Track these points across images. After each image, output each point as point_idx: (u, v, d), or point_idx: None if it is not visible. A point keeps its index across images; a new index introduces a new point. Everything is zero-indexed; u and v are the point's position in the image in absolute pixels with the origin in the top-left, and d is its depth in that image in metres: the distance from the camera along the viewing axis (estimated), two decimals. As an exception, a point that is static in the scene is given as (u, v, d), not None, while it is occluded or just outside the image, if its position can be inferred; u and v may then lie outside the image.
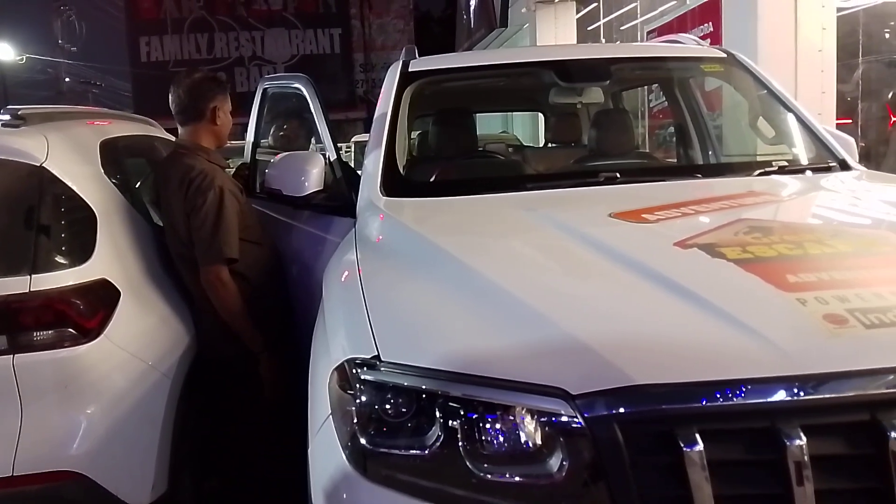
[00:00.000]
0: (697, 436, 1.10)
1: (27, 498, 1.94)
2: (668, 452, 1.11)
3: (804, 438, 1.10)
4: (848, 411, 1.13)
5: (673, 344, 1.21)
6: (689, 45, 3.21)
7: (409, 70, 2.82)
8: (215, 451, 2.55)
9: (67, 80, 25.89)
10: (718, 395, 1.13)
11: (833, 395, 1.12)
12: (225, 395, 2.50)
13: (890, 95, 7.55)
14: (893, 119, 7.60)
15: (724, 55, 3.02)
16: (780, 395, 1.12)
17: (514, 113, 11.21)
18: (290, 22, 21.47)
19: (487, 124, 11.73)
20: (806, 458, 1.09)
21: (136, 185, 3.08)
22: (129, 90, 23.12)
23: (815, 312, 1.23)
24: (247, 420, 2.50)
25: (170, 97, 2.63)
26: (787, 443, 1.10)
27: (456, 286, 1.48)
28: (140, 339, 2.26)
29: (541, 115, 5.57)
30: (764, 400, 1.12)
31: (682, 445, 1.10)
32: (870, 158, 7.66)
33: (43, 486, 1.95)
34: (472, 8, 16.46)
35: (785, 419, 1.11)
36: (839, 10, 5.83)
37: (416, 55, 3.08)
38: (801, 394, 1.12)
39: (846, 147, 2.63)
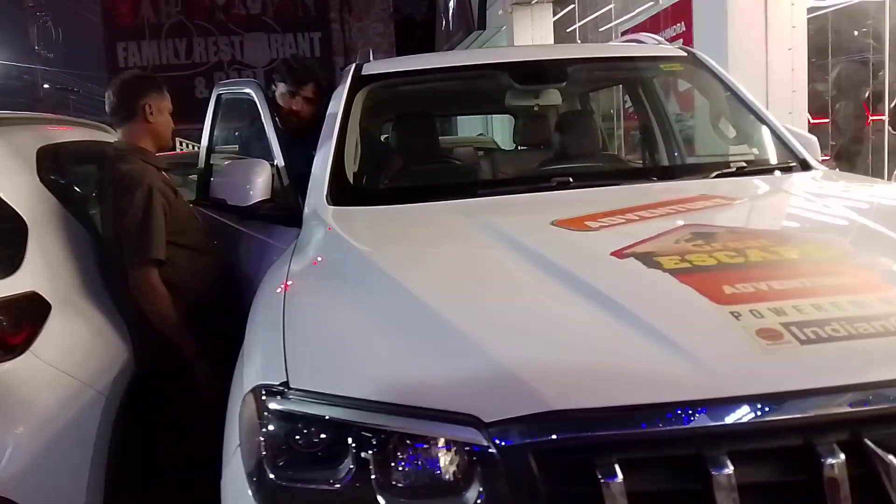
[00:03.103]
0: (616, 466, 1.02)
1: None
2: (586, 483, 1.03)
3: (731, 466, 1.02)
4: (779, 436, 1.05)
5: (595, 365, 1.12)
6: (650, 44, 3.14)
7: (363, 73, 2.74)
8: (158, 468, 2.44)
9: (45, 86, 25.62)
10: (640, 421, 1.05)
11: (763, 419, 1.04)
12: (164, 409, 2.39)
13: (867, 94, 7.56)
14: (870, 118, 7.61)
15: (685, 54, 2.96)
16: (706, 420, 1.04)
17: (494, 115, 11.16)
18: (270, 26, 21.28)
19: (469, 127, 11.68)
20: (733, 486, 1.01)
21: (84, 195, 2.99)
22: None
23: (749, 327, 1.15)
24: (188, 433, 2.40)
25: (105, 98, 2.57)
26: (713, 471, 1.02)
27: (378, 306, 1.39)
28: (72, 355, 2.16)
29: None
30: (689, 425, 1.04)
31: (601, 476, 1.02)
32: (847, 158, 7.66)
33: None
34: (450, 11, 16.42)
35: (711, 446, 1.03)
36: (810, 10, 5.81)
37: (371, 58, 3.01)
38: (729, 418, 1.04)
39: (808, 146, 2.56)
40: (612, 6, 9.70)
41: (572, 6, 11.21)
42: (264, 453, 1.20)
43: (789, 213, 2.00)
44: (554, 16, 11.87)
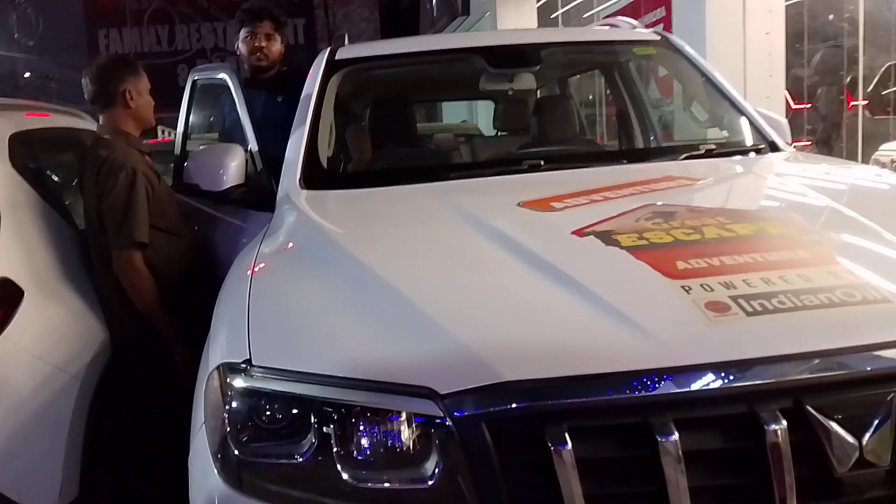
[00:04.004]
0: (566, 434, 1.05)
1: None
2: (537, 452, 1.06)
3: (677, 433, 1.05)
4: (723, 404, 1.09)
5: (547, 338, 1.15)
6: (625, 28, 3.16)
7: (336, 58, 2.75)
8: (134, 450, 2.46)
9: (26, 75, 25.26)
10: (589, 391, 1.08)
11: (707, 388, 1.08)
12: (141, 391, 2.41)
13: (848, 80, 7.63)
14: (852, 102, 7.68)
15: (658, 38, 2.97)
16: (653, 389, 1.07)
17: (479, 101, 11.15)
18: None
19: (455, 115, 11.67)
20: (679, 453, 1.05)
21: (56, 179, 2.98)
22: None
23: (698, 300, 1.19)
24: (166, 414, 2.42)
25: (83, 86, 2.56)
26: (660, 438, 1.05)
27: (341, 286, 1.41)
28: (46, 339, 2.16)
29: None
30: (636, 394, 1.07)
31: (551, 444, 1.05)
32: (827, 143, 7.73)
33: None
34: (435, -4, 16.34)
35: (657, 414, 1.06)
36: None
37: (346, 43, 3.01)
38: (674, 387, 1.07)
39: (777, 128, 2.60)
40: (595, -9, 9.70)
41: (556, -8, 11.20)
42: (228, 430, 1.22)
43: (750, 192, 2.03)
44: (537, 2, 11.86)
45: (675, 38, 2.99)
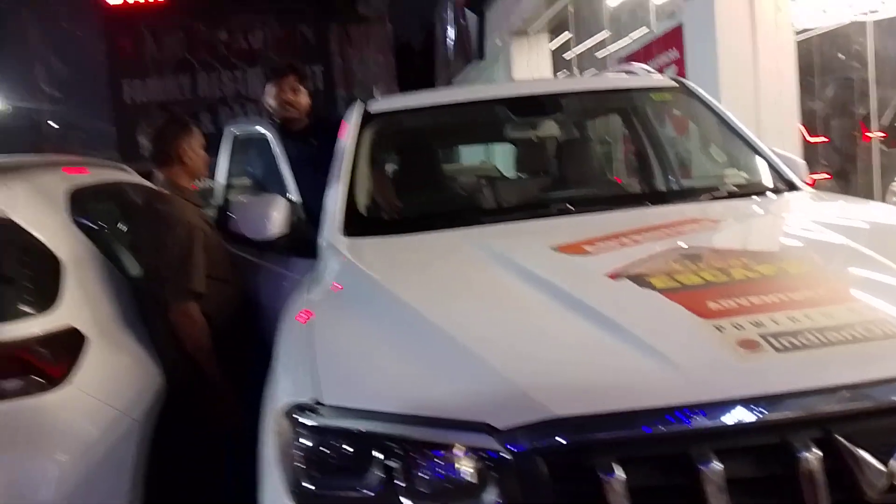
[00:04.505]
0: (615, 464, 1.15)
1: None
2: (590, 481, 1.16)
3: (717, 462, 1.15)
4: (758, 434, 1.19)
5: (592, 375, 1.27)
6: (641, 74, 3.31)
7: (369, 111, 2.91)
8: (187, 491, 2.57)
9: (51, 124, 26.00)
10: (633, 424, 1.18)
11: (742, 420, 1.18)
12: (193, 434, 2.53)
13: (863, 113, 7.73)
14: (866, 135, 7.77)
15: (675, 84, 3.11)
16: (692, 422, 1.17)
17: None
18: (272, 60, 21.70)
19: (471, 153, 11.90)
20: (720, 480, 1.14)
21: (107, 231, 3.14)
22: (114, 132, 23.20)
23: (730, 338, 1.29)
24: (215, 456, 2.53)
25: (140, 144, 2.74)
26: (702, 467, 1.15)
27: (398, 329, 1.54)
28: (109, 384, 2.29)
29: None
30: (677, 426, 1.17)
31: (602, 474, 1.15)
32: (844, 176, 7.80)
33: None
34: (450, 41, 16.74)
35: (698, 444, 1.17)
36: (798, 32, 6.00)
37: (377, 96, 3.18)
38: (713, 419, 1.18)
39: (794, 168, 2.71)
40: (606, 33, 9.94)
41: (568, 34, 11.47)
42: (300, 465, 1.33)
43: (771, 233, 2.14)
44: (550, 44, 12.14)
45: (690, 83, 3.13)
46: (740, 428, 1.18)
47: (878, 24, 6.47)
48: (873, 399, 1.19)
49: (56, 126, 25.94)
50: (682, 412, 1.18)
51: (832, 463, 1.16)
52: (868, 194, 6.79)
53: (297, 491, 1.32)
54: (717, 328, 1.33)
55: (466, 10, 14.68)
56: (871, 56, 6.41)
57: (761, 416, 1.18)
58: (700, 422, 1.18)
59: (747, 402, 1.19)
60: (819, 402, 1.19)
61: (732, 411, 1.19)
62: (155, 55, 21.59)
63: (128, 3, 21.64)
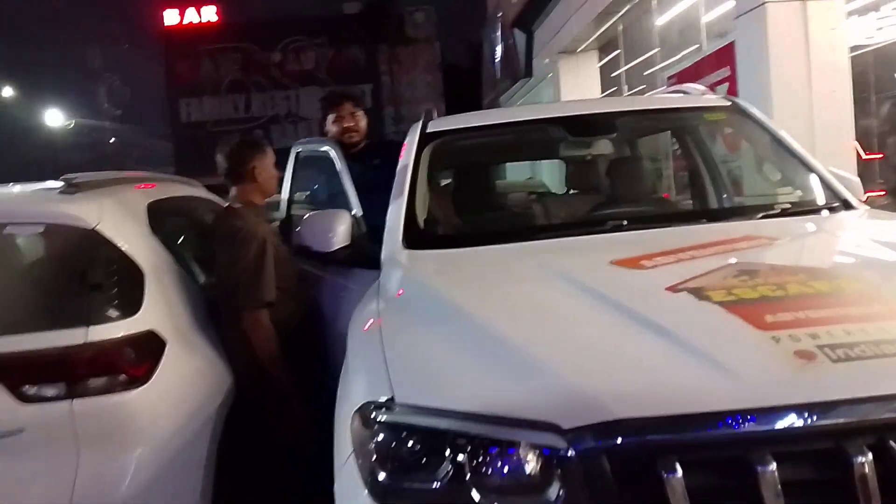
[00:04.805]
0: (677, 464, 1.22)
1: (82, 536, 2.11)
2: (651, 480, 1.23)
3: (774, 465, 1.21)
4: (815, 440, 1.25)
5: (653, 381, 1.34)
6: (694, 94, 3.36)
7: (427, 131, 3.03)
8: (255, 487, 2.70)
9: (112, 141, 27.02)
10: (694, 427, 1.25)
11: (799, 426, 1.24)
12: (259, 435, 2.66)
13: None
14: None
15: (728, 104, 3.15)
16: (751, 426, 1.24)
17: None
18: (323, 80, 22.24)
19: (518, 170, 12.01)
20: (776, 482, 1.20)
21: (178, 243, 3.32)
22: (171, 150, 24.01)
23: (787, 349, 1.35)
24: (279, 457, 2.66)
25: (217, 162, 2.90)
26: (759, 469, 1.21)
27: (464, 335, 1.63)
28: (184, 385, 2.44)
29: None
30: (735, 430, 1.24)
31: (663, 473, 1.22)
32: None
33: (96, 525, 2.12)
34: (497, 60, 16.92)
35: (755, 448, 1.23)
36: (853, 48, 5.94)
37: (435, 116, 3.29)
38: (769, 424, 1.24)
39: (850, 187, 2.73)
40: (656, 51, 9.96)
41: (617, 52, 11.52)
42: (375, 458, 1.43)
43: (826, 250, 2.17)
44: (599, 62, 12.19)
45: (743, 102, 3.17)
46: (796, 433, 1.24)
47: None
48: (927, 408, 1.23)
49: (117, 143, 26.95)
50: (740, 417, 1.24)
51: (884, 469, 1.21)
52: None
53: (372, 483, 1.42)
54: (774, 339, 1.39)
55: (515, 29, 14.84)
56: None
57: (816, 422, 1.24)
58: (757, 426, 1.24)
59: (803, 409, 1.25)
60: (872, 410, 1.24)
61: (788, 417, 1.25)
62: (211, 75, 22.36)
63: (184, 24, 22.45)
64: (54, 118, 22.88)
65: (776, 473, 1.21)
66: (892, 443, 1.22)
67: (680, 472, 1.22)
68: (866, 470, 1.20)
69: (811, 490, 1.24)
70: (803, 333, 1.40)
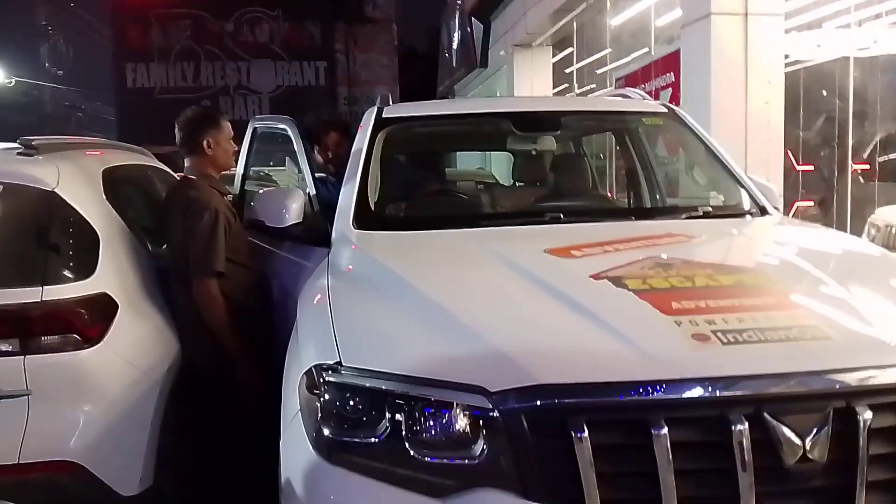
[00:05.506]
0: (584, 425, 1.42)
1: (30, 484, 2.20)
2: (562, 437, 1.42)
3: (666, 429, 1.41)
4: (702, 408, 1.46)
5: (571, 352, 1.54)
6: (636, 99, 3.59)
7: (383, 116, 3.16)
8: (197, 453, 2.81)
9: (52, 103, 26.05)
10: (603, 393, 1.45)
11: (690, 396, 1.45)
12: (206, 401, 2.77)
13: (853, 143, 8.06)
14: (855, 167, 8.10)
15: (665, 110, 3.39)
16: (650, 395, 1.44)
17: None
18: (276, 53, 21.93)
19: (468, 160, 12.21)
20: (668, 443, 1.41)
21: (130, 210, 3.38)
22: (114, 115, 23.31)
23: (686, 331, 1.56)
24: (226, 423, 2.77)
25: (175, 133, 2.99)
26: (654, 431, 1.41)
27: (405, 306, 1.80)
28: (135, 348, 2.54)
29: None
30: (637, 397, 1.44)
31: (573, 432, 1.41)
32: (826, 204, 8.12)
33: (44, 474, 2.21)
34: (454, 47, 17.02)
35: (653, 413, 1.43)
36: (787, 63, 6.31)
37: (391, 102, 3.43)
38: (666, 393, 1.44)
39: (768, 195, 2.99)
40: (608, 51, 10.26)
41: (571, 50, 11.79)
42: (320, 416, 1.59)
43: (736, 249, 2.42)
44: (553, 58, 12.45)
45: (679, 109, 3.41)
46: (687, 402, 1.45)
47: (858, 61, 6.81)
48: (797, 387, 1.46)
49: (57, 105, 26.01)
50: (642, 386, 1.44)
51: (759, 435, 1.42)
52: (842, 222, 7.12)
53: (317, 438, 1.58)
54: (676, 322, 1.60)
55: (473, 17, 14.97)
56: (850, 94, 6.78)
57: (705, 393, 1.45)
58: (656, 395, 1.44)
59: (694, 382, 1.46)
60: (752, 386, 1.46)
61: (682, 388, 1.45)
62: (160, 42, 21.76)
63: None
64: (-7, 74, 21.98)
65: (668, 435, 1.41)
66: (765, 414, 1.43)
67: (587, 431, 1.42)
68: (743, 436, 1.41)
69: (696, 450, 1.45)
70: (702, 319, 1.61)
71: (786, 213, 6.48)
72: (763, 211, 2.84)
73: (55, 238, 2.43)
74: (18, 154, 2.61)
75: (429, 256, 2.32)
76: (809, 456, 1.42)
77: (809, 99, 7.16)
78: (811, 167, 8.25)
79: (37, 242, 2.39)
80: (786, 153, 6.49)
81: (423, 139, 3.54)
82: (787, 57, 6.37)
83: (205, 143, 2.93)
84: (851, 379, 1.47)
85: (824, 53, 7.12)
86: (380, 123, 3.11)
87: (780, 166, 6.05)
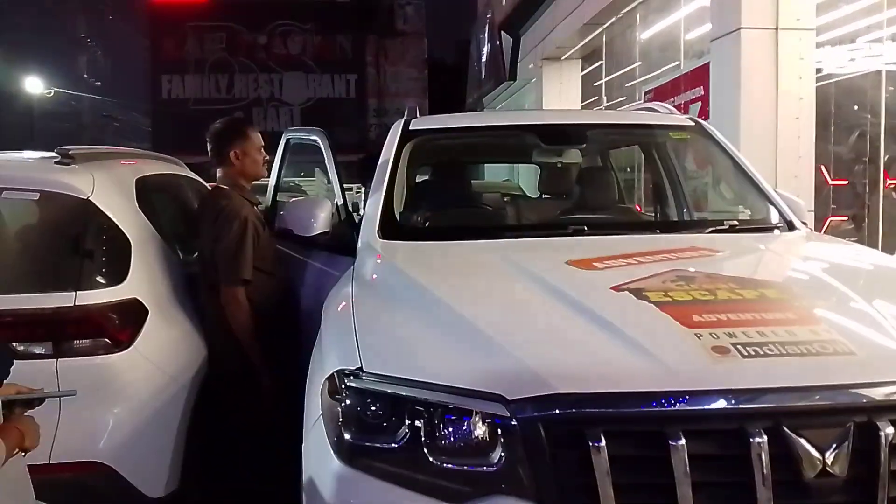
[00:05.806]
0: (602, 435, 1.42)
1: (59, 484, 2.25)
2: (579, 447, 1.43)
3: (684, 440, 1.41)
4: (721, 420, 1.46)
5: (589, 362, 1.55)
6: (663, 112, 3.59)
7: (410, 128, 3.20)
8: (221, 456, 2.85)
9: (90, 113, 26.66)
10: (620, 404, 1.46)
11: (708, 408, 1.45)
12: (230, 405, 2.82)
13: (886, 158, 7.92)
14: (889, 181, 7.96)
15: (692, 123, 3.38)
16: (667, 406, 1.44)
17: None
18: (308, 66, 22.22)
19: (497, 173, 12.24)
20: (685, 455, 1.41)
21: (162, 218, 3.46)
22: (149, 125, 23.76)
23: (706, 344, 1.56)
24: (249, 428, 2.82)
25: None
26: (672, 443, 1.41)
27: (427, 315, 1.83)
28: (163, 352, 2.60)
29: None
30: (654, 409, 1.44)
31: (590, 442, 1.42)
32: (860, 219, 7.98)
33: (73, 474, 2.27)
34: (483, 60, 17.10)
35: (671, 425, 1.43)
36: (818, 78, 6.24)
37: (418, 114, 3.47)
38: (684, 405, 1.44)
39: (795, 209, 2.96)
40: (637, 65, 10.24)
41: (600, 63, 11.78)
42: (342, 421, 1.62)
43: (761, 264, 2.40)
44: (582, 71, 12.45)
45: (706, 123, 3.40)
46: (706, 414, 1.45)
47: (890, 75, 6.71)
48: (816, 400, 1.45)
49: (95, 115, 26.60)
50: (661, 398, 1.45)
51: (778, 449, 1.42)
52: (875, 237, 7.00)
53: (338, 443, 1.61)
54: (696, 335, 1.60)
55: (503, 31, 15.04)
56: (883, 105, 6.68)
57: (724, 406, 1.45)
58: (674, 407, 1.44)
59: (713, 395, 1.46)
60: (771, 399, 1.45)
61: (701, 400, 1.46)
62: (196, 53, 22.16)
63: (171, 1, 22.25)
64: (34, 85, 22.57)
65: (686, 447, 1.41)
66: (784, 427, 1.43)
67: (604, 441, 1.42)
68: (762, 449, 1.41)
69: (714, 463, 1.45)
70: (722, 332, 1.61)
71: (819, 228, 6.41)
72: (791, 226, 2.81)
73: (89, 245, 2.50)
74: (55, 163, 2.70)
75: (451, 266, 2.35)
76: (829, 471, 1.41)
77: (840, 113, 7.06)
78: (845, 182, 8.12)
79: (71, 249, 2.47)
80: (818, 168, 6.41)
81: (449, 151, 3.57)
82: (818, 71, 6.31)
83: (232, 154, 3.00)
84: (873, 394, 1.46)
85: (856, 67, 7.03)
86: (406, 135, 3.15)
87: (811, 182, 5.97)
